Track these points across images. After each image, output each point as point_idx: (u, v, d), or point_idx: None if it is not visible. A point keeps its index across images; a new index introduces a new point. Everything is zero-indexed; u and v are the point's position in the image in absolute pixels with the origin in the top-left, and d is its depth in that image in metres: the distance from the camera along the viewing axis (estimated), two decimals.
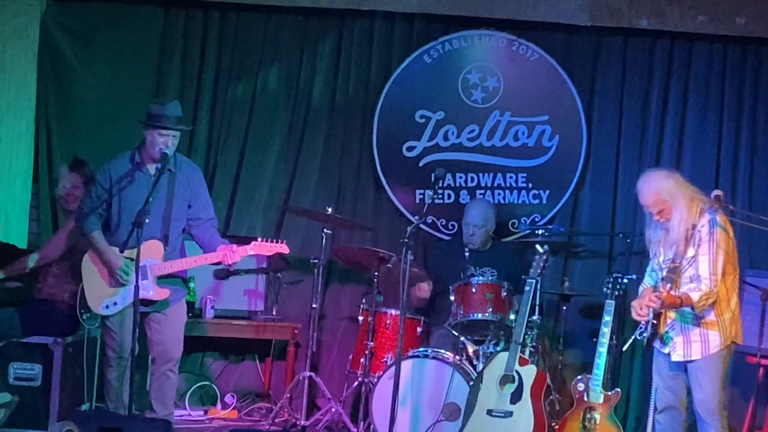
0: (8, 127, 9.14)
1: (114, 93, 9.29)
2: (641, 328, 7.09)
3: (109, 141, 9.02)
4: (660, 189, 7.04)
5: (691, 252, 6.98)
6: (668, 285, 6.91)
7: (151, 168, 7.48)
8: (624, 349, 7.74)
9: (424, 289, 8.65)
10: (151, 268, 7.44)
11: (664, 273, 7.04)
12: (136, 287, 7.16)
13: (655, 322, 7.06)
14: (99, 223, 7.52)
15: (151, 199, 7.22)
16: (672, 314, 7.06)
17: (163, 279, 7.51)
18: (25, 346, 7.94)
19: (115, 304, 7.43)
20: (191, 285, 8.74)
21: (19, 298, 8.17)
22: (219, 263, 7.61)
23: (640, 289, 7.36)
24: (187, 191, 7.61)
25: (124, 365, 7.41)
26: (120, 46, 9.34)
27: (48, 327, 8.00)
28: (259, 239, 7.64)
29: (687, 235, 6.97)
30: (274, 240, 7.66)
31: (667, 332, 7.09)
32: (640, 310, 7.05)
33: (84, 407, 8.07)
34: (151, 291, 7.45)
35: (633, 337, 7.32)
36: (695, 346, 6.99)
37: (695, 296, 6.88)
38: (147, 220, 7.14)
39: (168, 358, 7.65)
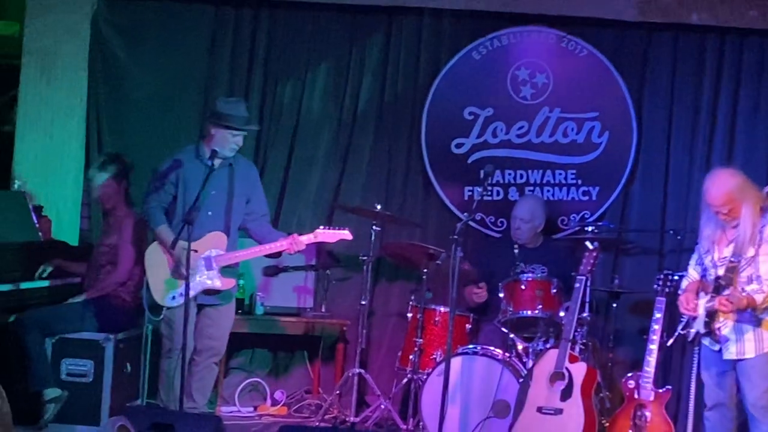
0: (60, 124, 9.22)
1: (164, 90, 9.35)
2: (682, 321, 7.08)
3: (159, 138, 9.13)
4: (731, 188, 7.00)
5: (751, 252, 6.94)
6: (734, 288, 6.90)
7: (216, 163, 7.61)
8: (669, 344, 7.70)
9: (481, 294, 8.61)
10: (216, 258, 7.62)
11: (720, 272, 7.00)
12: (187, 285, 7.28)
13: (707, 319, 7.03)
14: (164, 216, 7.70)
15: (201, 197, 7.40)
16: (724, 315, 7.03)
17: (227, 272, 7.74)
18: (76, 343, 8.00)
19: (181, 295, 7.50)
20: (240, 282, 8.79)
21: (66, 297, 8.25)
22: (279, 254, 7.73)
23: (684, 282, 7.34)
24: (246, 187, 7.83)
25: (178, 357, 7.49)
26: (170, 43, 9.39)
27: (103, 324, 8.06)
28: (322, 227, 7.85)
29: (751, 235, 6.95)
30: (337, 227, 7.84)
31: (719, 330, 7.05)
32: (687, 304, 7.03)
33: (137, 403, 8.14)
34: (217, 281, 7.64)
35: (677, 332, 7.31)
36: (749, 345, 6.96)
37: (759, 298, 6.88)
38: (199, 216, 7.29)
39: (215, 352, 7.85)
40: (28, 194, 8.74)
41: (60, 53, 9.24)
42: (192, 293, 7.47)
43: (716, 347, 7.07)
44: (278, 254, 7.97)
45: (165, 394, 7.72)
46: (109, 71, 9.36)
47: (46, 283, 8.23)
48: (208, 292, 7.67)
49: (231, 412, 8.82)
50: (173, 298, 7.60)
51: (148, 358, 8.01)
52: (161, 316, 7.69)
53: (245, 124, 7.76)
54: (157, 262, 7.69)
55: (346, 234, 7.88)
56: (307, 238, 7.76)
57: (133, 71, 9.37)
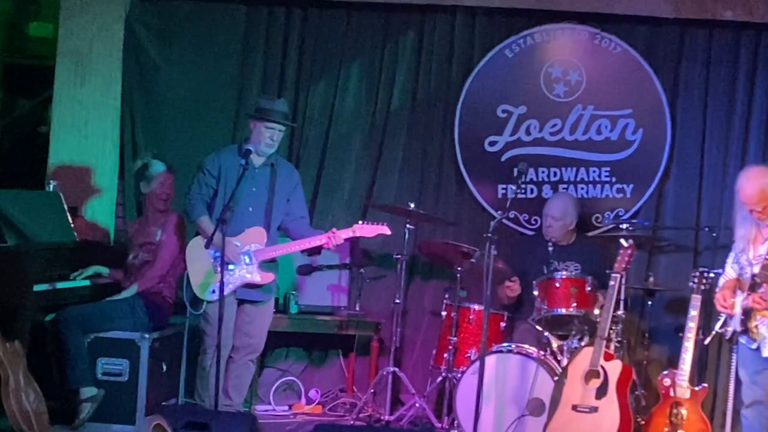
0: (95, 124, 9.26)
1: (197, 90, 9.38)
2: (719, 319, 7.06)
3: (192, 137, 9.17)
4: (765, 186, 6.98)
5: None
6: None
7: (257, 161, 7.74)
8: (706, 342, 7.68)
9: (514, 288, 8.60)
10: (255, 253, 7.73)
11: (756, 269, 6.97)
12: (221, 282, 7.31)
13: (743, 317, 7.01)
14: (205, 208, 7.79)
15: (244, 195, 7.56)
16: (761, 313, 7.01)
17: (266, 266, 7.83)
18: (112, 342, 8.03)
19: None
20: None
21: (102, 296, 8.29)
22: (319, 250, 7.78)
23: (721, 280, 7.31)
24: (287, 187, 7.93)
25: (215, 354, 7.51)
26: (203, 43, 9.41)
27: (144, 321, 8.10)
28: (361, 222, 7.90)
29: None
30: (376, 222, 7.86)
31: (756, 327, 7.02)
32: (724, 301, 7.01)
33: (173, 401, 8.18)
34: (256, 275, 7.74)
35: (714, 331, 7.28)
36: None
37: None
38: (238, 212, 7.45)
39: (252, 350, 7.94)
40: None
41: (94, 54, 9.28)
42: (232, 287, 7.58)
43: (754, 345, 7.04)
44: (318, 251, 8.01)
45: (202, 391, 7.78)
46: (142, 71, 9.40)
47: (83, 283, 8.25)
48: (249, 285, 7.73)
49: (266, 410, 8.85)
50: (213, 291, 7.65)
51: (183, 358, 8.03)
52: (201, 311, 7.73)
53: (281, 119, 7.82)
54: (198, 256, 7.76)
55: (384, 228, 7.91)
56: (345, 233, 7.80)
57: (166, 71, 9.41)
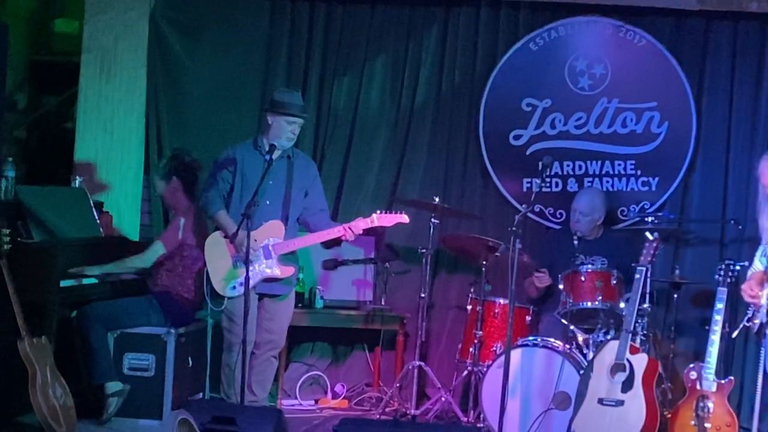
0: (120, 120, 9.30)
1: (222, 85, 9.40)
2: (747, 313, 7.04)
3: (218, 133, 9.18)
4: None
5: None
6: None
7: (275, 154, 7.65)
8: (734, 336, 7.66)
9: (543, 278, 8.58)
10: (274, 247, 7.70)
11: None
12: (247, 278, 7.32)
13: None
14: (223, 203, 7.76)
15: (261, 188, 7.45)
16: None
17: (286, 259, 7.78)
18: (138, 337, 8.07)
19: (241, 284, 7.55)
20: (300, 275, 8.84)
21: (137, 291, 8.33)
22: (339, 243, 7.77)
23: (749, 273, 7.28)
24: (305, 180, 7.87)
25: (240, 350, 7.52)
26: (227, 39, 9.44)
27: (166, 318, 8.13)
28: (379, 211, 7.82)
29: None
30: (395, 211, 7.80)
31: None
32: (751, 291, 6.98)
33: (198, 396, 8.20)
34: (276, 269, 7.70)
35: (742, 324, 7.25)
36: None
37: None
38: (259, 207, 7.39)
39: (274, 345, 7.91)
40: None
41: (119, 50, 9.32)
42: (252, 282, 7.50)
43: None
44: (338, 243, 7.99)
45: (228, 388, 7.76)
46: (167, 67, 9.43)
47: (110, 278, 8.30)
48: (269, 280, 7.71)
49: (292, 405, 8.86)
50: (234, 287, 7.66)
51: (210, 352, 8.05)
52: (223, 307, 7.73)
53: (301, 112, 7.80)
54: (217, 252, 7.75)
55: (403, 217, 7.83)
56: (363, 222, 7.74)
57: (191, 67, 9.44)
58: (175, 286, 8.20)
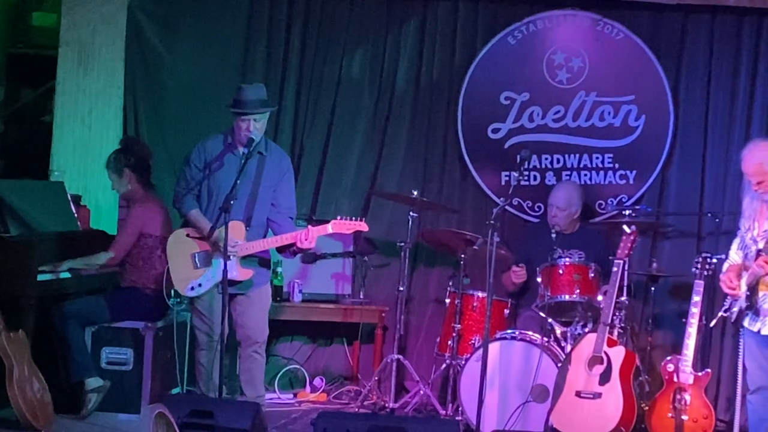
0: (98, 114, 9.28)
1: (201, 79, 9.38)
2: (724, 304, 7.07)
3: (196, 126, 9.12)
4: (763, 159, 7.00)
5: None
6: None
7: (242, 151, 7.53)
8: (712, 325, 7.70)
9: (520, 273, 8.61)
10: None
11: (761, 245, 6.98)
12: (225, 270, 7.23)
13: (748, 293, 7.01)
14: (195, 202, 7.61)
15: (238, 183, 7.28)
16: (766, 287, 7.01)
17: (246, 262, 7.57)
18: (116, 331, 8.06)
19: (200, 285, 7.50)
20: (279, 269, 8.83)
21: (105, 286, 8.30)
22: (296, 247, 7.55)
23: (724, 266, 7.30)
24: (275, 175, 7.65)
25: (215, 348, 7.48)
26: (206, 32, 9.41)
27: (135, 313, 8.11)
28: (338, 218, 7.59)
29: None
30: (354, 218, 7.61)
31: (759, 306, 7.02)
32: (730, 282, 7.01)
33: (175, 391, 8.19)
34: (234, 271, 7.48)
35: (719, 313, 7.28)
36: None
37: None
38: (232, 203, 7.22)
39: (252, 341, 7.71)
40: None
41: (96, 43, 9.31)
42: (211, 283, 7.45)
43: (755, 327, 7.03)
44: (301, 250, 7.66)
45: (204, 386, 7.65)
46: (145, 60, 9.40)
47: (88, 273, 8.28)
48: (228, 282, 7.36)
49: (270, 398, 8.83)
50: (192, 288, 7.54)
51: (186, 347, 8.03)
52: (183, 307, 7.68)
53: (256, 107, 7.50)
54: (178, 251, 7.61)
55: (362, 225, 7.58)
56: (322, 229, 7.50)
57: (169, 60, 9.42)
58: (141, 279, 8.16)
